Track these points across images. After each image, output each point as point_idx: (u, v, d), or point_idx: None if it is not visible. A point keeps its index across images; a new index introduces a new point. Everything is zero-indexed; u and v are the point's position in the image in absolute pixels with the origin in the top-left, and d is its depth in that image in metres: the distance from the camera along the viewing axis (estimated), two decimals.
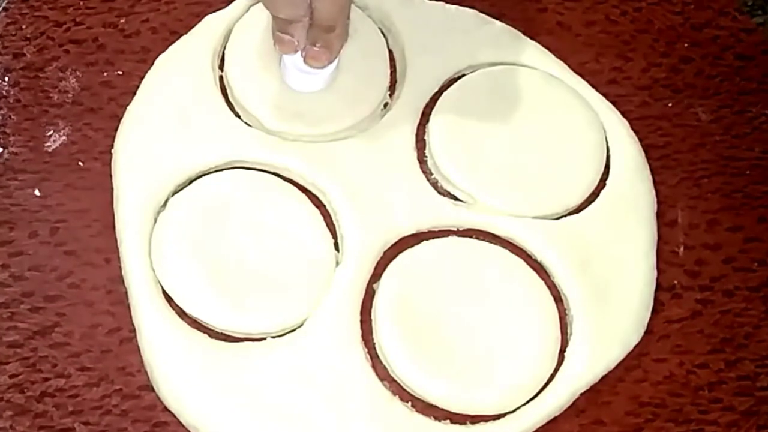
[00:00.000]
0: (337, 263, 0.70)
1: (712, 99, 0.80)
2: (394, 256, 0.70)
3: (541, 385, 0.68)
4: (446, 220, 0.72)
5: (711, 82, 0.81)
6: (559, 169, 0.74)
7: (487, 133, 0.74)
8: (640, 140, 0.77)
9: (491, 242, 0.72)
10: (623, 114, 0.77)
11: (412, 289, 0.69)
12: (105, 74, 0.76)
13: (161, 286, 0.68)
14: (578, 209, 0.74)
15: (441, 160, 0.73)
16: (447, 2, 0.80)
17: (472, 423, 0.67)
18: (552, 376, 0.68)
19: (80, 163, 0.73)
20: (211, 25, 0.77)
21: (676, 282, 0.73)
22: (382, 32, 0.78)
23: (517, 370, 0.67)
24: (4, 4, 0.78)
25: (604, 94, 0.78)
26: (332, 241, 0.71)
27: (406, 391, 0.67)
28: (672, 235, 0.74)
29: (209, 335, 0.67)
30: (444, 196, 0.73)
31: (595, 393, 0.69)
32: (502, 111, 0.75)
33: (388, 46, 0.78)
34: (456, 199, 0.73)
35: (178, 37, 0.77)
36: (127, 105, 0.74)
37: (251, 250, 0.69)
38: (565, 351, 0.69)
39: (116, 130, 0.73)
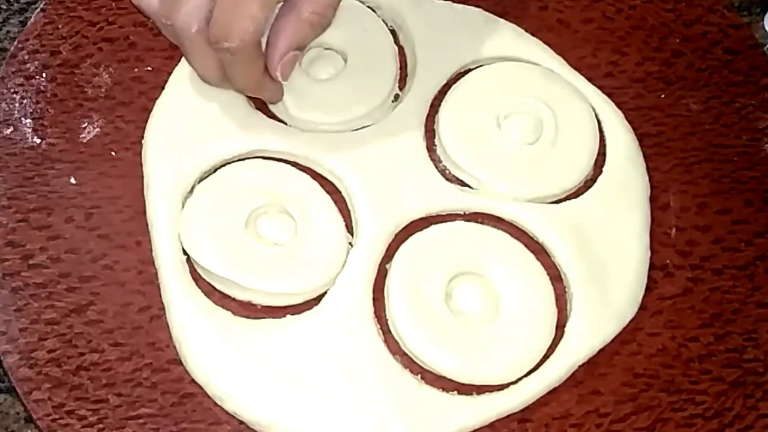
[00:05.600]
0: (351, 245, 0.70)
1: (702, 90, 0.79)
2: (405, 239, 0.70)
3: (541, 358, 0.67)
4: (454, 205, 0.72)
5: (701, 74, 0.80)
6: (559, 156, 0.73)
7: (492, 122, 0.74)
8: (635, 129, 0.76)
9: (496, 225, 0.71)
10: (618, 105, 0.77)
11: (421, 269, 0.68)
12: (136, 70, 0.76)
13: (189, 266, 0.68)
14: (577, 194, 0.73)
15: (450, 148, 0.73)
16: (454, 1, 0.79)
17: (478, 393, 0.66)
18: (552, 350, 0.68)
19: (113, 153, 0.73)
20: None
21: (668, 261, 0.73)
22: (393, 30, 0.78)
23: (520, 343, 0.67)
24: (42, 5, 0.77)
25: (600, 87, 0.77)
26: (347, 224, 0.70)
27: (416, 363, 0.67)
28: (664, 218, 0.74)
29: (233, 313, 0.67)
30: (451, 182, 0.73)
31: (593, 365, 0.68)
32: (505, 103, 0.75)
33: (399, 43, 0.78)
34: (463, 184, 0.73)
35: None
36: (157, 99, 0.73)
37: (271, 232, 0.68)
38: (564, 326, 0.69)
39: (146, 122, 0.73)
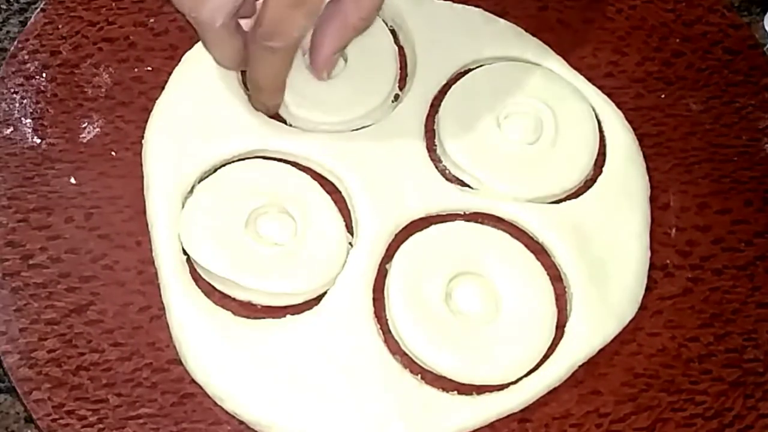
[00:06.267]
0: (351, 245, 0.69)
1: (702, 90, 0.79)
2: (405, 239, 0.70)
3: (541, 358, 0.67)
4: (454, 205, 0.72)
5: (701, 74, 0.80)
6: (559, 156, 0.73)
7: (492, 122, 0.74)
8: (635, 129, 0.76)
9: (496, 225, 0.71)
10: (619, 105, 0.77)
11: (421, 269, 0.68)
12: (136, 70, 0.75)
13: (189, 266, 0.68)
14: (577, 194, 0.73)
15: (450, 148, 0.73)
16: (454, 1, 0.79)
17: (478, 393, 0.66)
18: (552, 350, 0.67)
19: (113, 153, 0.72)
20: None
21: (668, 261, 0.72)
22: (393, 30, 0.78)
23: (520, 343, 0.67)
24: (41, 5, 0.77)
25: (600, 87, 0.77)
26: (347, 224, 0.70)
27: (416, 363, 0.67)
28: (664, 218, 0.74)
29: (233, 313, 0.67)
30: (451, 182, 0.72)
31: (593, 365, 0.68)
32: (505, 103, 0.74)
33: (399, 43, 0.77)
34: (463, 184, 0.73)
35: None
36: (157, 99, 0.73)
37: (271, 232, 0.68)
38: (564, 326, 0.68)
39: (146, 122, 0.72)
